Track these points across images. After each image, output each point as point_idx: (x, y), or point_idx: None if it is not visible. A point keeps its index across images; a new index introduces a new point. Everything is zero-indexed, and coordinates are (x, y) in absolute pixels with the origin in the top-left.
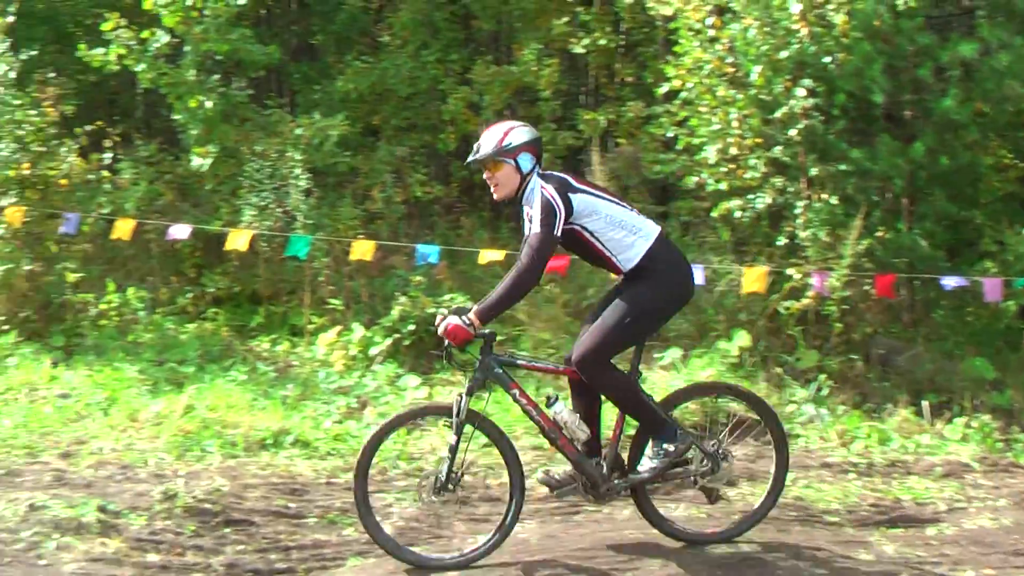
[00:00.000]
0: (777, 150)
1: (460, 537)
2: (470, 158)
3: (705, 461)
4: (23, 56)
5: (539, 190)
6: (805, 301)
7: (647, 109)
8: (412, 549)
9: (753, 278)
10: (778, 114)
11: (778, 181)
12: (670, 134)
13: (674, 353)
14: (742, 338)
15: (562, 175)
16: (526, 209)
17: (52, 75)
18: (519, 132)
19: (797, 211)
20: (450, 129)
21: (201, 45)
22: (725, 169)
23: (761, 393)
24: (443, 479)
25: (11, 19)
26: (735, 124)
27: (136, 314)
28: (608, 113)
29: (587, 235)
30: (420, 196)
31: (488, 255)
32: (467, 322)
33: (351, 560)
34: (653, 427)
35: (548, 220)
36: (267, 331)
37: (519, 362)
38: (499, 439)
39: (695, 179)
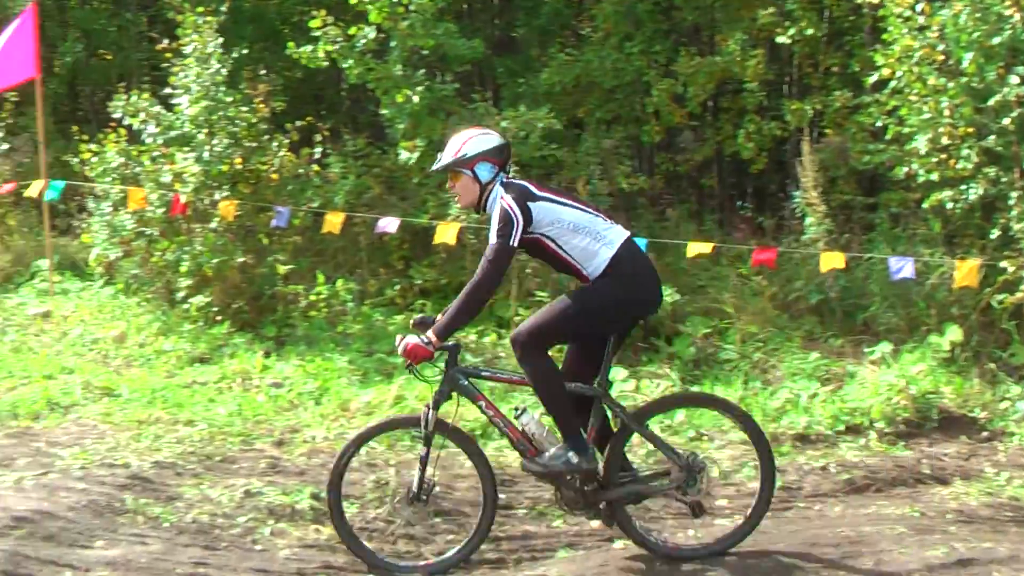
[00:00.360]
0: (990, 139)
1: (436, 544)
2: (432, 167)
3: (681, 472)
4: (234, 54)
5: (499, 200)
6: (1019, 295)
7: (855, 98)
8: (386, 559)
9: (965, 271)
10: (991, 102)
11: (991, 171)
12: (879, 124)
13: (884, 348)
14: (954, 333)
15: (523, 183)
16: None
17: (262, 72)
18: (476, 141)
19: (1011, 202)
20: (654, 121)
21: (407, 40)
22: (936, 159)
23: (974, 389)
24: (415, 491)
25: (222, 18)
26: (946, 113)
27: (345, 305)
28: (814, 103)
29: (550, 243)
30: (625, 188)
31: (696, 247)
32: (425, 341)
33: (560, 552)
34: (563, 430)
35: (504, 230)
36: (474, 323)
37: (484, 374)
38: (470, 449)
39: (905, 170)
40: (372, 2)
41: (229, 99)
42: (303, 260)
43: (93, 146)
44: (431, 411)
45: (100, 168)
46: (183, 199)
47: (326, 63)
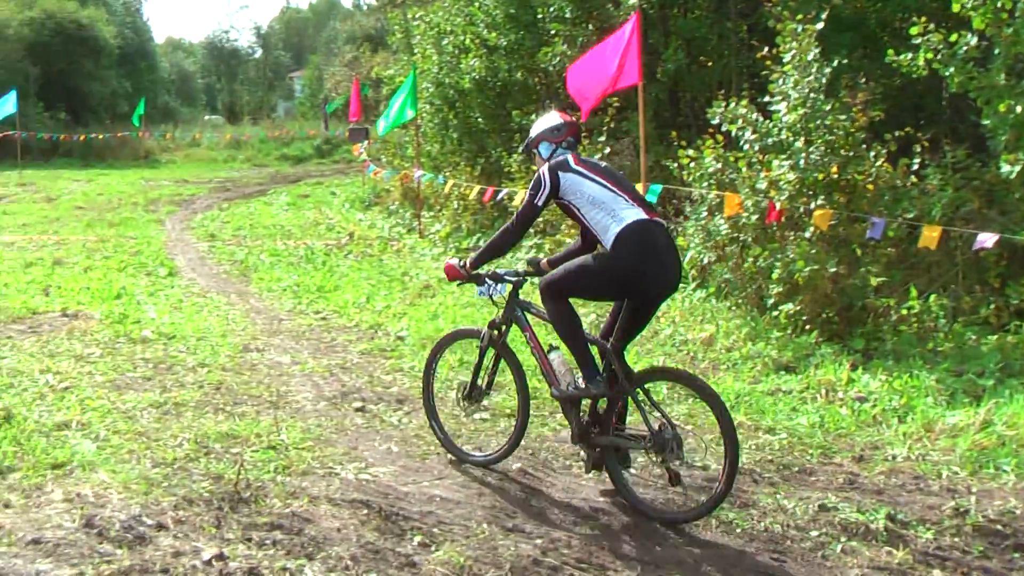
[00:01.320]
0: None
1: (486, 441)
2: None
3: (650, 439)
4: (833, 62)
5: (540, 169)
6: None
7: None
8: (457, 445)
9: None
10: None
11: None
12: None
13: None
14: None
15: (567, 158)
16: None
17: (861, 80)
18: (538, 124)
19: None
20: None
21: (1012, 47)
22: None
23: None
24: (467, 389)
25: (820, 26)
26: None
27: (936, 322)
28: None
29: (575, 210)
30: None
31: None
32: (460, 264)
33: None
34: (578, 360)
35: (533, 192)
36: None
37: (532, 310)
38: (513, 363)
39: None
40: (975, 8)
41: (827, 107)
42: (895, 273)
43: (691, 151)
44: (487, 330)
45: (697, 173)
46: (778, 206)
47: (925, 71)
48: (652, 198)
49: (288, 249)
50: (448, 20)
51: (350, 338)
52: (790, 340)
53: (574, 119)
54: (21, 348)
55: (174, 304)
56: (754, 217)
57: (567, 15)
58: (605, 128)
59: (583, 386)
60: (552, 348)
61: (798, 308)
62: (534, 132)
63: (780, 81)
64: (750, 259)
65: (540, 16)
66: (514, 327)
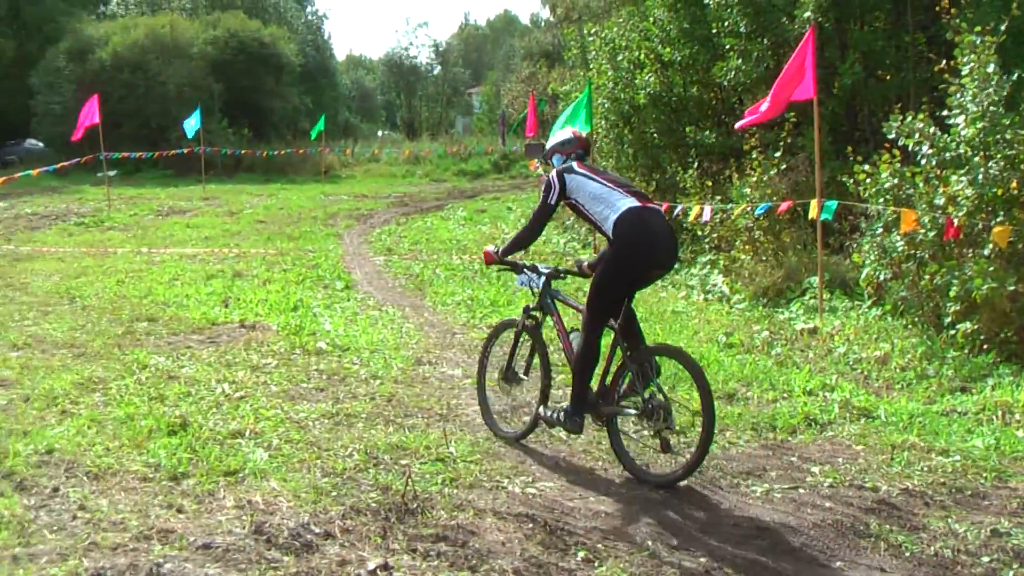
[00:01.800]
0: None
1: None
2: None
3: (643, 408)
4: (1013, 75)
5: (550, 174)
6: None
7: None
8: (496, 423)
9: None
10: None
11: None
12: None
13: None
14: None
15: (572, 163)
16: None
17: None
18: (553, 139)
19: None
20: None
21: None
22: None
23: None
24: (504, 372)
25: (1001, 38)
26: None
27: None
28: None
29: (580, 206)
30: None
31: None
32: (495, 251)
33: None
34: (573, 392)
35: (546, 194)
36: None
37: (559, 297)
38: (540, 348)
39: None
40: None
41: (1007, 121)
42: None
43: (867, 167)
44: (522, 317)
45: (873, 188)
46: (956, 222)
47: None
48: (827, 214)
49: (463, 263)
50: (623, 35)
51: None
52: (967, 360)
53: (582, 135)
54: (200, 358)
55: (349, 317)
56: (931, 234)
57: (741, 29)
58: (781, 143)
59: (561, 419)
60: (574, 330)
61: (976, 327)
62: (549, 145)
63: (958, 94)
64: (927, 277)
65: (715, 31)
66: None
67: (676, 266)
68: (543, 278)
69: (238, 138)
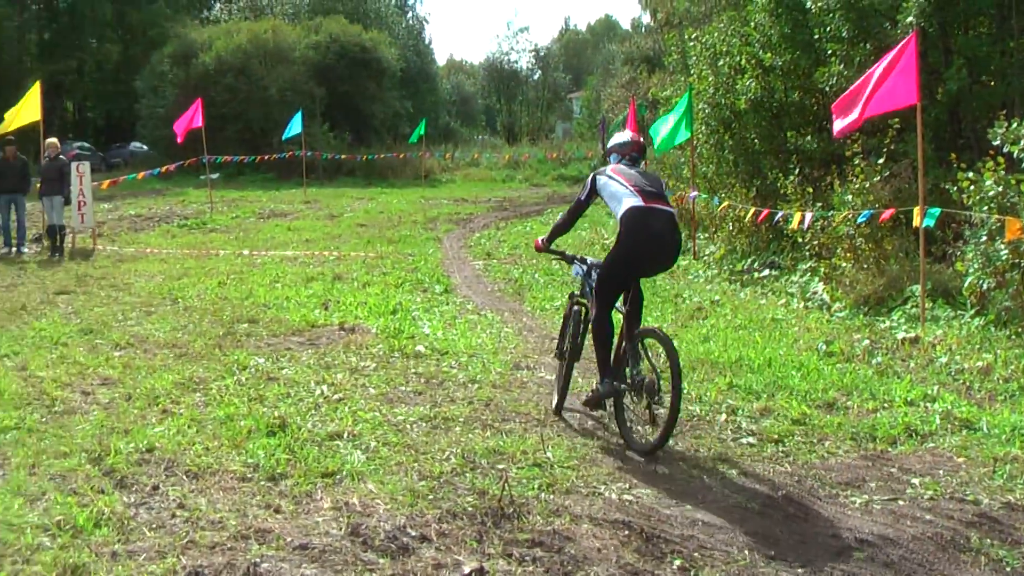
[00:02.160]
0: None
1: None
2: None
3: (636, 384)
4: None
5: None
6: None
7: None
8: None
9: None
10: None
11: None
12: None
13: None
14: None
15: (610, 165)
16: None
17: None
18: (613, 139)
19: None
20: None
21: None
22: None
23: None
24: (557, 349)
25: None
26: None
27: None
28: None
29: (605, 203)
30: None
31: None
32: (543, 241)
33: None
34: (598, 362)
35: (581, 190)
36: None
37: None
38: (577, 328)
39: None
40: None
41: None
42: None
43: (971, 174)
44: (569, 300)
45: (977, 196)
46: None
47: None
48: (930, 221)
49: (562, 268)
50: (724, 41)
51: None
52: None
53: (639, 139)
54: (299, 360)
55: (448, 321)
56: None
57: (844, 34)
58: (884, 150)
59: (597, 389)
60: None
61: None
62: (609, 145)
63: None
64: None
65: (816, 36)
66: None
67: (678, 262)
68: (586, 267)
69: (339, 142)
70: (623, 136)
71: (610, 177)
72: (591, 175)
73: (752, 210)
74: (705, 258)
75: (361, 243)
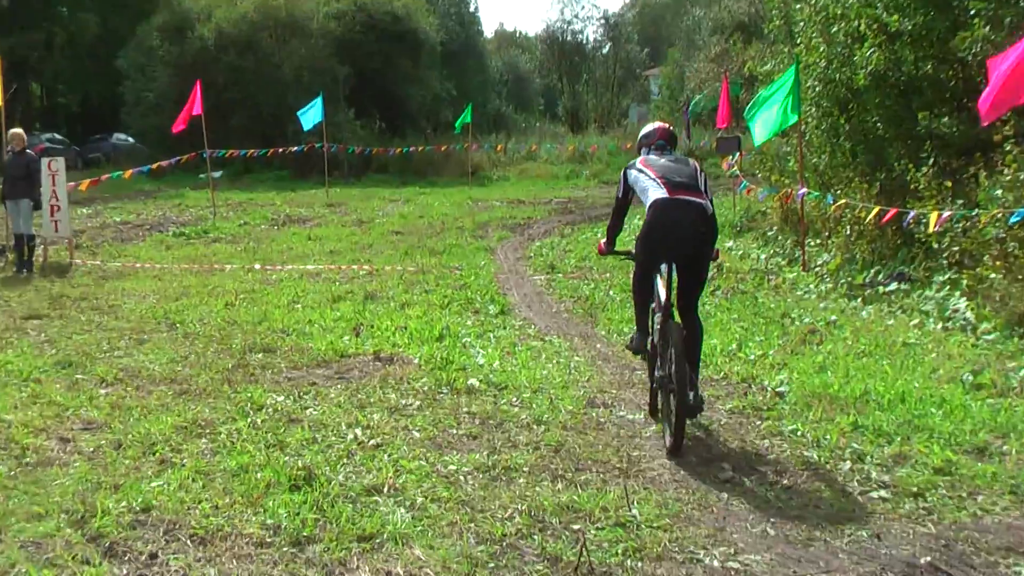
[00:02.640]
0: None
1: None
2: None
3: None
4: None
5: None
6: None
7: None
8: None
9: None
10: None
11: None
12: None
13: None
14: None
15: (639, 157)
16: None
17: None
18: (641, 131)
19: None
20: None
21: None
22: None
23: None
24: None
25: None
26: None
27: None
28: None
29: (639, 198)
30: None
31: None
32: (604, 243)
33: None
34: (636, 318)
35: (617, 189)
36: None
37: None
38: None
39: None
40: None
41: None
42: None
43: None
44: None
45: None
46: None
47: None
48: None
49: None
50: (839, 2)
51: (717, 393)
52: None
53: (665, 125)
54: (326, 397)
55: (506, 348)
56: None
57: None
58: None
59: (629, 342)
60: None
61: None
62: (638, 139)
63: None
64: None
65: None
66: None
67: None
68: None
69: (368, 132)
70: (647, 127)
71: (639, 171)
72: (623, 172)
73: (875, 210)
74: (817, 269)
75: (397, 255)
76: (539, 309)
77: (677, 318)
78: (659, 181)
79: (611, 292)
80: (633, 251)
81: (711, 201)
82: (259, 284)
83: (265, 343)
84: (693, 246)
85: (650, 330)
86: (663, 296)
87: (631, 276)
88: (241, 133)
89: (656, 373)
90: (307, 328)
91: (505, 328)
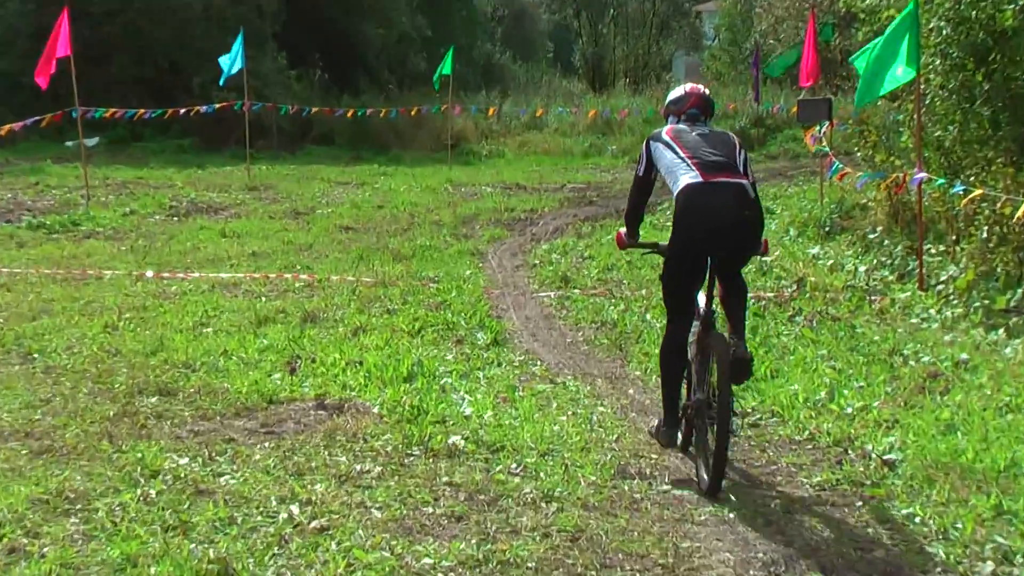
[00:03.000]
0: None
1: None
2: None
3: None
4: None
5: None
6: None
7: None
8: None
9: None
10: None
11: None
12: None
13: None
14: None
15: (664, 128)
16: None
17: None
18: (667, 97)
19: None
20: None
21: None
22: None
23: None
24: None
25: None
26: None
27: None
28: None
29: (663, 180)
30: None
31: None
32: (624, 234)
33: None
34: (663, 404)
35: (638, 163)
36: None
37: None
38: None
39: None
40: None
41: None
42: None
43: None
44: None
45: None
46: None
47: None
48: None
49: None
50: None
51: (800, 460)
52: None
53: (701, 88)
54: (249, 459)
55: (501, 393)
56: None
57: None
58: None
59: (654, 430)
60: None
61: None
62: (665, 104)
63: None
64: None
65: None
66: None
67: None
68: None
69: (306, 87)
70: (676, 91)
71: (666, 144)
72: (645, 144)
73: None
74: (940, 287)
75: (348, 260)
76: (547, 339)
77: (720, 328)
78: (690, 162)
79: (648, 316)
80: (660, 244)
81: (754, 186)
82: (152, 299)
83: (161, 382)
84: (736, 237)
85: (684, 389)
86: (702, 303)
87: (662, 288)
88: (126, 85)
89: (693, 396)
90: (221, 362)
91: (500, 365)
